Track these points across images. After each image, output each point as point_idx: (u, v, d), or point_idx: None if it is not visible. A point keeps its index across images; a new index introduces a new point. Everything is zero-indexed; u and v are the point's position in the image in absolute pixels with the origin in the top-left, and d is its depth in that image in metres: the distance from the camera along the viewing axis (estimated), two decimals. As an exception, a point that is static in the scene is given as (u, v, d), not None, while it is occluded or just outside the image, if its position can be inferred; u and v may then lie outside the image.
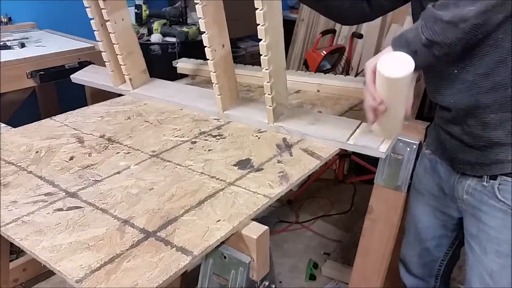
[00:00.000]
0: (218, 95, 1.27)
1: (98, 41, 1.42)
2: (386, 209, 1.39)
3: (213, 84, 1.25)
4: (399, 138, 1.25)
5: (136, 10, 2.83)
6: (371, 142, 1.08)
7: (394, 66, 0.85)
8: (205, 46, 1.17)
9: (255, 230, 0.83)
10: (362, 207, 1.54)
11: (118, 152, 1.14)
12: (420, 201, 1.24)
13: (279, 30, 1.11)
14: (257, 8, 1.01)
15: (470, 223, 1.08)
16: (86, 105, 1.50)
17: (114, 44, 1.39)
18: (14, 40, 2.04)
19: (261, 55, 1.08)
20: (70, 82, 1.72)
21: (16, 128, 1.30)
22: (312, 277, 2.09)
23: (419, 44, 0.85)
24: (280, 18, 1.10)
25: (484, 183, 1.02)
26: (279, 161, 1.07)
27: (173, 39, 2.65)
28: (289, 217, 2.55)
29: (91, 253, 0.77)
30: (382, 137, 1.07)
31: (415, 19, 1.02)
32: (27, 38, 2.09)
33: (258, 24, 1.03)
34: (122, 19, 1.38)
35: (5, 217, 0.87)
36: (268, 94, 1.15)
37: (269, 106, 1.17)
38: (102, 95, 1.58)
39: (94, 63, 1.91)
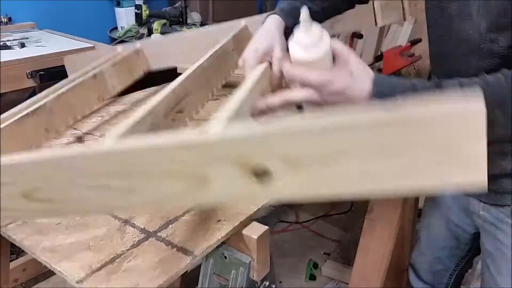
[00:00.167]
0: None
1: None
2: (386, 209, 1.39)
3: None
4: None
5: (136, 10, 2.83)
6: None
7: None
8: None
9: (256, 230, 0.83)
10: (362, 207, 1.54)
11: (118, 152, 1.14)
12: (435, 211, 1.22)
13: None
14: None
15: (486, 239, 1.05)
16: (86, 105, 1.50)
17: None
18: (14, 40, 2.03)
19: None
20: (70, 82, 1.71)
21: (16, 128, 1.29)
22: (312, 277, 2.09)
23: None
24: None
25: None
26: (279, 161, 1.06)
27: (173, 39, 2.64)
28: (289, 217, 2.54)
29: (92, 253, 0.77)
30: None
31: (429, 21, 0.91)
32: (27, 38, 2.08)
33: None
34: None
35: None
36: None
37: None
38: (102, 95, 1.58)
39: (94, 63, 1.90)
